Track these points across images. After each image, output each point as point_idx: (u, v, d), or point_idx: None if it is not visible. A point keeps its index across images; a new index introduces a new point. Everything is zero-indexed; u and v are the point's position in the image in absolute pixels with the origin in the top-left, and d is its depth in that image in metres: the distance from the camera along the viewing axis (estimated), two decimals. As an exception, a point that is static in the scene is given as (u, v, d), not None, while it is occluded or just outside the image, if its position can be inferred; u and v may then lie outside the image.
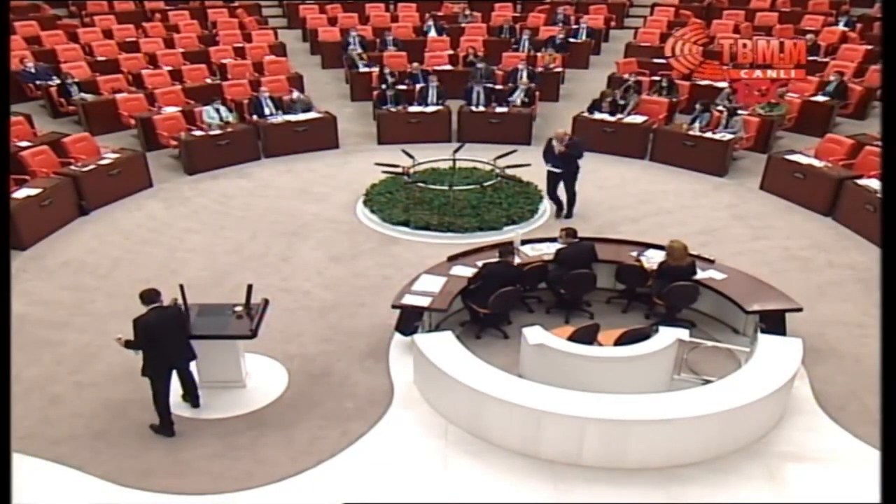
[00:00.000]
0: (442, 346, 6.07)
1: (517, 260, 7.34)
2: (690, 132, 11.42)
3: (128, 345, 5.51)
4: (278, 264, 8.55)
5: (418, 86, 13.28)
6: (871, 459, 5.41)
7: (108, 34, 15.40)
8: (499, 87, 13.48)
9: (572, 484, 5.37)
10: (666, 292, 6.98)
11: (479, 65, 14.04)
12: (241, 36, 15.98)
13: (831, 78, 12.83)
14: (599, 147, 11.90)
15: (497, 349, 6.86)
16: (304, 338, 7.11)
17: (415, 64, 14.07)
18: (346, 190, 10.51)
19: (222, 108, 11.82)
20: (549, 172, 9.39)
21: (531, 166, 9.85)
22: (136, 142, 11.94)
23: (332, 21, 17.22)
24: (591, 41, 16.52)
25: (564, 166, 9.27)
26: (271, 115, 12.09)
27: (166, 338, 5.58)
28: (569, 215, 9.59)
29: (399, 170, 9.65)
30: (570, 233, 7.40)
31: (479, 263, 7.18)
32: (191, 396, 6.05)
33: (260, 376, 6.48)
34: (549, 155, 9.29)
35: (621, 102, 12.47)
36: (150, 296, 5.56)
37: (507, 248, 7.31)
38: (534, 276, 7.41)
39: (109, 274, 8.30)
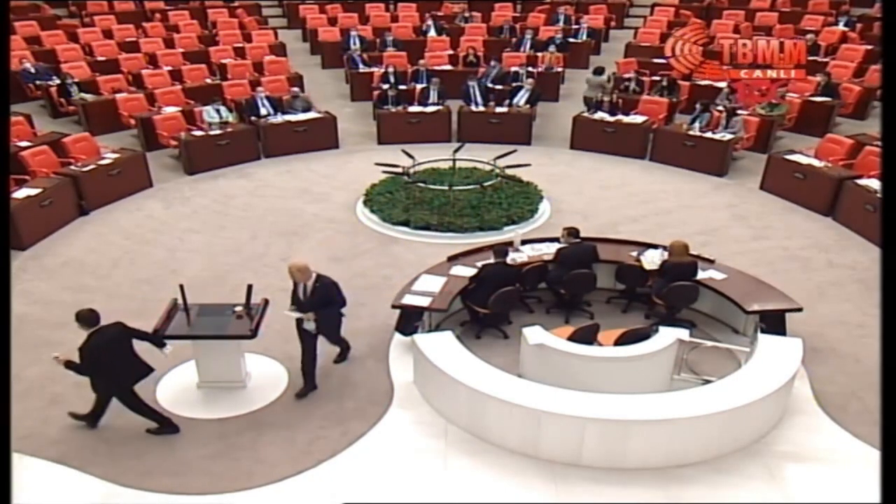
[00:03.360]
0: (442, 346, 6.07)
1: (511, 256, 7.30)
2: (690, 132, 11.42)
3: (68, 365, 5.29)
4: (278, 264, 8.52)
5: (419, 86, 13.28)
6: (871, 459, 5.42)
7: (108, 34, 15.43)
8: (498, 87, 13.47)
9: (572, 484, 5.37)
10: (666, 292, 6.98)
11: (493, 64, 14.09)
12: (241, 36, 16.01)
13: (818, 78, 12.80)
14: (599, 147, 11.97)
15: (497, 349, 6.86)
16: (304, 338, 7.10)
17: (421, 61, 14.08)
18: (346, 190, 10.51)
19: (222, 108, 11.83)
20: (298, 326, 6.26)
21: (531, 166, 9.86)
22: (136, 142, 11.95)
23: (332, 21, 17.25)
24: (591, 41, 16.54)
25: (314, 311, 6.14)
26: (268, 115, 12.07)
27: (115, 358, 5.45)
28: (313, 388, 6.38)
29: (399, 170, 9.66)
30: (573, 232, 7.39)
31: (479, 264, 7.17)
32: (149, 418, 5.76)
33: (260, 376, 6.48)
34: (294, 298, 6.24)
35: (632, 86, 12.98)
36: (90, 318, 5.34)
37: (502, 248, 7.28)
38: (533, 276, 7.40)
39: (109, 274, 8.30)
